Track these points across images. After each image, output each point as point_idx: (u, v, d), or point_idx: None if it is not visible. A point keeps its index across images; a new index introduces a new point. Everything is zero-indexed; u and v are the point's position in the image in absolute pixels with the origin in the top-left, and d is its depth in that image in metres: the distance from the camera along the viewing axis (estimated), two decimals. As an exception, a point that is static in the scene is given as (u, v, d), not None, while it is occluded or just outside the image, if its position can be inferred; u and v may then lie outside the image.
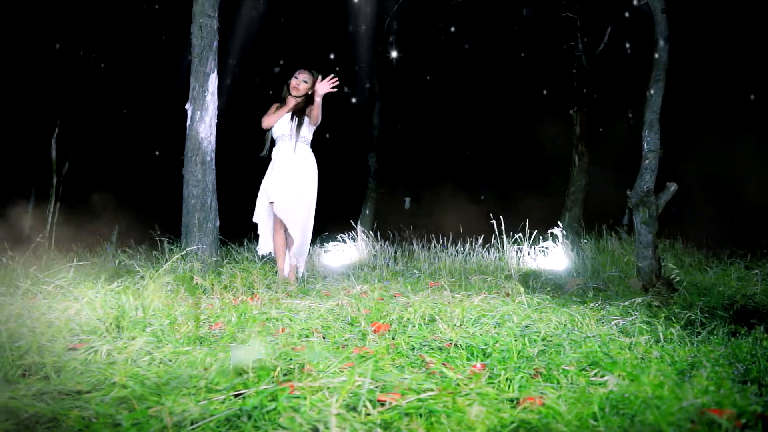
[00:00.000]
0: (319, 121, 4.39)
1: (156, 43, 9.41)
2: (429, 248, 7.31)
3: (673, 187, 4.53)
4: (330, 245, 8.70)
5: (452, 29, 9.85)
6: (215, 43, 5.05)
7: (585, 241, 7.11)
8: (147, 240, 6.91)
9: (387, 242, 8.15)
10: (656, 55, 4.82)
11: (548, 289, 3.80)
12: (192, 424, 1.09)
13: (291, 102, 4.55)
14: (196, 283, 3.87)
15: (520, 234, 7.20)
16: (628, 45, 7.86)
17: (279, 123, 4.51)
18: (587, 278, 4.77)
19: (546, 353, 1.70)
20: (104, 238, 9.27)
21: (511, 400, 1.26)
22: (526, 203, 9.28)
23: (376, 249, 8.16)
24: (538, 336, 1.89)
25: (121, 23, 9.20)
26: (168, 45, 9.06)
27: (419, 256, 6.92)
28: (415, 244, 7.39)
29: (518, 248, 7.07)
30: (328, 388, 1.28)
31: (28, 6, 8.34)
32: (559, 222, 7.77)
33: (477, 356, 1.80)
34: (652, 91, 4.77)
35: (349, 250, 8.80)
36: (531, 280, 4.29)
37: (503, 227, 7.13)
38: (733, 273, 5.02)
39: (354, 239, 9.05)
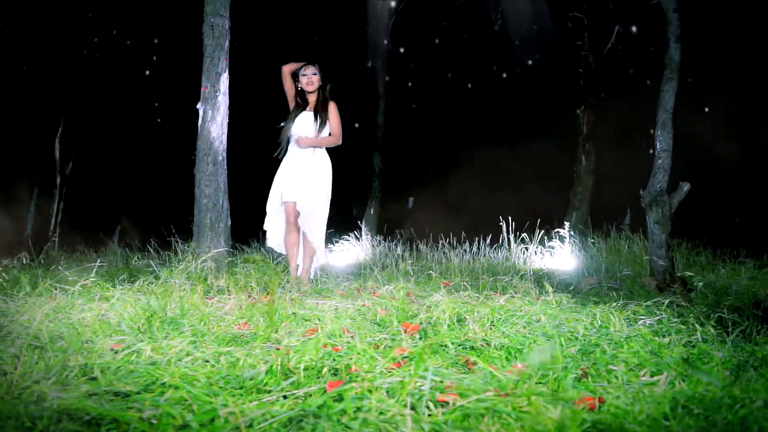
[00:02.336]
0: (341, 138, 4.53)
1: (165, 42, 9.39)
2: (436, 248, 7.31)
3: (686, 186, 4.54)
4: (335, 245, 8.69)
5: (457, 28, 9.85)
6: (227, 43, 5.03)
7: (592, 240, 7.12)
8: (155, 240, 6.90)
9: (393, 242, 8.15)
10: (668, 55, 4.82)
11: (571, 288, 3.80)
12: (257, 424, 1.09)
13: (308, 97, 4.59)
14: (211, 283, 3.86)
15: (527, 233, 7.21)
16: (635, 44, 7.87)
17: (299, 123, 4.53)
18: (601, 278, 4.77)
19: (587, 353, 1.70)
20: (108, 238, 9.25)
21: (566, 401, 1.25)
22: (531, 203, 9.29)
23: (382, 249, 8.16)
24: (575, 336, 1.89)
25: (129, 22, 9.17)
26: (177, 44, 9.04)
27: (427, 255, 6.92)
28: (421, 244, 7.39)
29: (525, 248, 7.07)
30: (383, 387, 1.28)
31: (35, 5, 8.31)
32: (565, 221, 7.78)
33: (515, 356, 1.80)
34: (664, 91, 4.78)
35: (354, 250, 8.80)
36: (545, 280, 4.29)
37: (511, 226, 7.14)
38: (743, 272, 5.03)
39: (359, 239, 9.05)
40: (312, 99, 4.57)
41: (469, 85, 10.58)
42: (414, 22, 10.15)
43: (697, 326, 1.85)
